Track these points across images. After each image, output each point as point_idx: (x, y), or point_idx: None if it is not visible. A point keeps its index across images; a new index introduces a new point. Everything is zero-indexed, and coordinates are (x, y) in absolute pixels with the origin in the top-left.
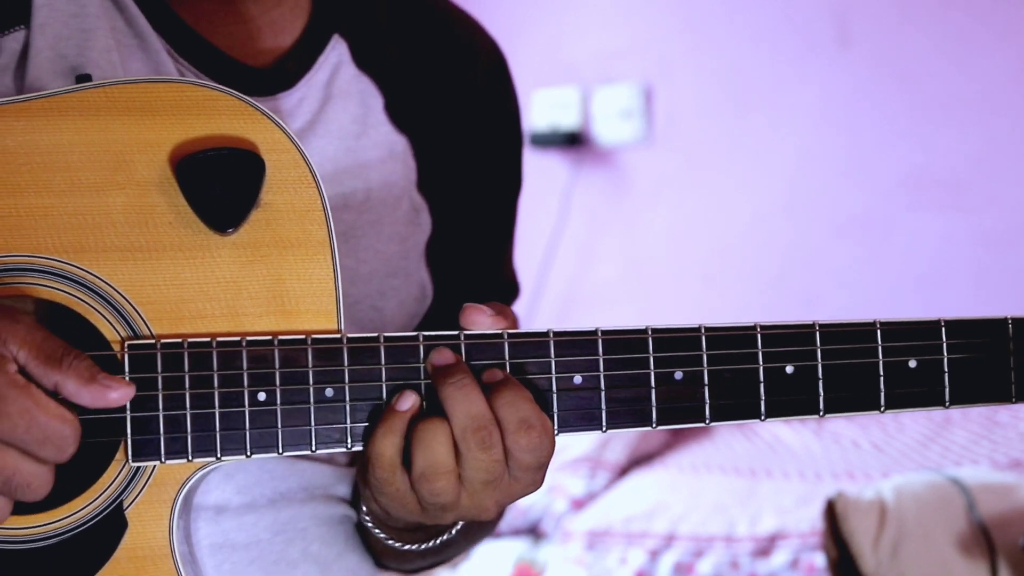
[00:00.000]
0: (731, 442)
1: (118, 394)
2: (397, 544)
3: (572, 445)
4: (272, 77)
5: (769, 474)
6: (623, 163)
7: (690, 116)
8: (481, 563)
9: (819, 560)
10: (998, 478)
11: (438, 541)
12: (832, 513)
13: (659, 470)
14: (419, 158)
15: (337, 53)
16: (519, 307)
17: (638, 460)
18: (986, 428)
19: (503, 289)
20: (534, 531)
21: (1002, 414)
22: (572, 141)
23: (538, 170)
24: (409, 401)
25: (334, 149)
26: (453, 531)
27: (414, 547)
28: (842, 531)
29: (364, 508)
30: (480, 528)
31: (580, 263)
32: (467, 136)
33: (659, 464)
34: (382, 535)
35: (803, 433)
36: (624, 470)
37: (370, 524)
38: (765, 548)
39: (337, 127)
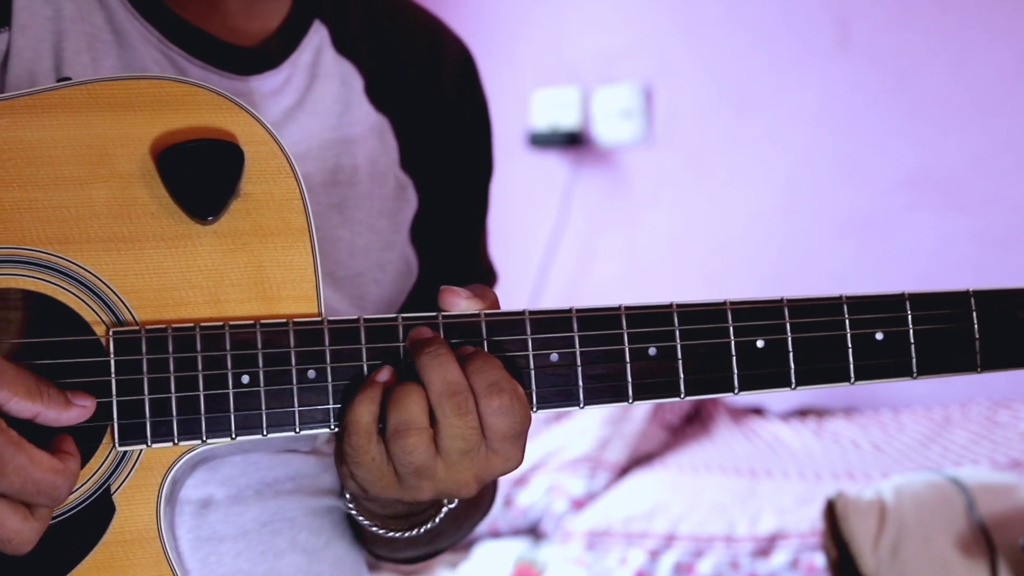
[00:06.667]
0: (731, 442)
1: (90, 404)
2: (381, 531)
3: (572, 445)
4: (258, 57)
5: (769, 474)
6: (623, 163)
7: (690, 116)
8: (481, 563)
9: (819, 560)
10: (998, 478)
11: (422, 530)
12: (832, 513)
13: (659, 470)
14: (400, 137)
15: (319, 37)
16: (515, 303)
17: (638, 460)
18: (986, 428)
19: (481, 275)
20: (534, 531)
21: (1002, 414)
22: (572, 141)
23: (538, 170)
24: (387, 373)
25: (321, 126)
26: (438, 518)
27: (398, 535)
28: (842, 531)
29: (345, 491)
30: (467, 514)
31: (580, 263)
32: (440, 125)
33: (659, 464)
34: (365, 522)
35: (803, 433)
36: (624, 470)
37: (353, 511)
38: (765, 548)
39: (323, 106)
